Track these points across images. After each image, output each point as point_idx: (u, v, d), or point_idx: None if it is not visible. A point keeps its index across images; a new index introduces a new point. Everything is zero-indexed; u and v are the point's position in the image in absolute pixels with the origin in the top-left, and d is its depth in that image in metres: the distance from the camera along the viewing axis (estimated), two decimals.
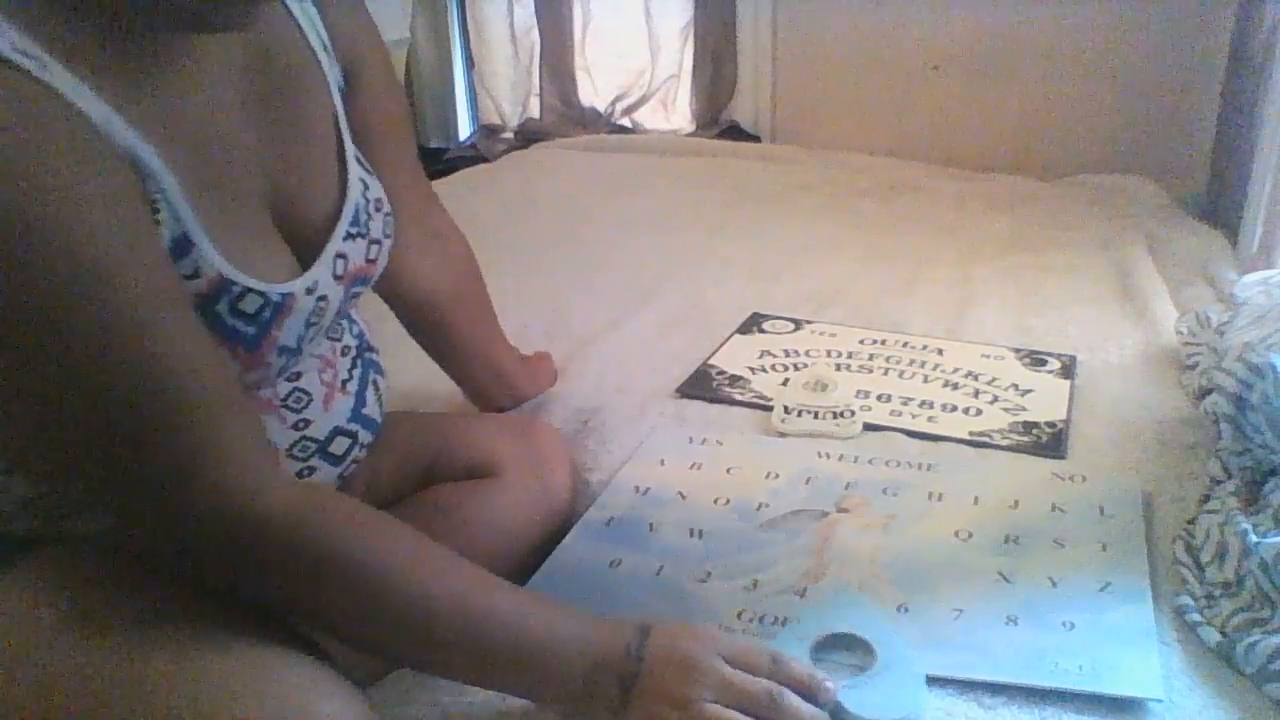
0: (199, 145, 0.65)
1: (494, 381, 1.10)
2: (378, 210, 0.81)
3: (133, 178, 0.59)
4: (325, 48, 0.77)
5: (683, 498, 0.99)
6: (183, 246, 0.62)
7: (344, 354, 0.82)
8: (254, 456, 0.62)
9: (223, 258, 0.64)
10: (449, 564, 0.67)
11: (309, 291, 0.72)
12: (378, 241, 0.81)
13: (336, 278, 0.75)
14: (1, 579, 0.61)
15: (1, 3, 0.54)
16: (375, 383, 0.86)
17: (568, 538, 0.93)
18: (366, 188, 0.80)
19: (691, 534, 0.93)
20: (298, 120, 0.74)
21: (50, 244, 0.52)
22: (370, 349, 0.87)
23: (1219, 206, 1.84)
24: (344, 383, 0.81)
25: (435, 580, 0.65)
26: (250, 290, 0.66)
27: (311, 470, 0.77)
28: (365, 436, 0.83)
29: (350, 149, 0.79)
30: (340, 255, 0.76)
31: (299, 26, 0.75)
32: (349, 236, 0.77)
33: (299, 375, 0.76)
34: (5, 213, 0.51)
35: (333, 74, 0.78)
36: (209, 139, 0.66)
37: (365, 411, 0.83)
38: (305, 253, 0.74)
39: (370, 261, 0.80)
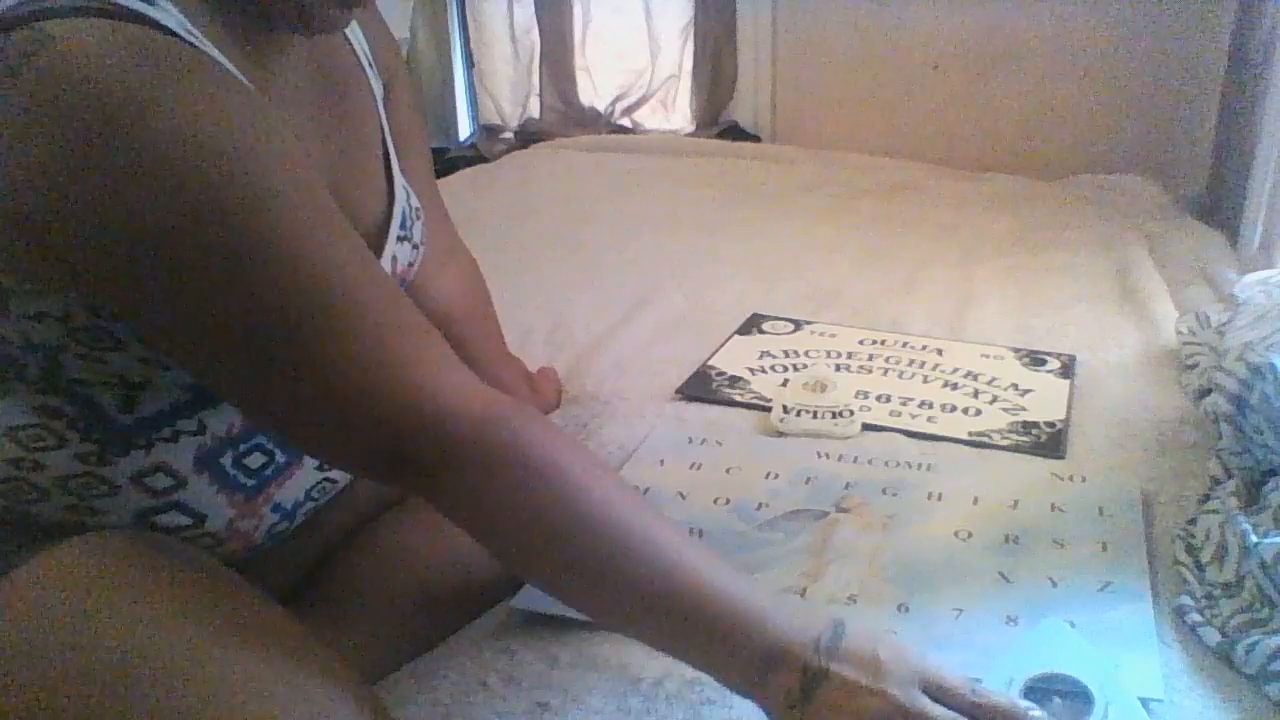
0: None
1: None
2: (417, 218, 0.84)
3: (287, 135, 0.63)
4: (370, 63, 0.80)
5: (683, 498, 0.99)
6: None
7: None
8: (455, 366, 0.64)
9: None
10: (648, 508, 0.65)
11: None
12: (417, 246, 0.84)
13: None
14: (22, 570, 0.61)
15: None
16: None
17: None
18: (409, 195, 0.83)
19: (691, 534, 0.93)
20: (353, 128, 0.78)
21: (266, 183, 0.57)
22: None
23: (1219, 206, 1.83)
24: None
25: (636, 519, 0.62)
26: None
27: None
28: None
29: (394, 158, 0.82)
30: (392, 256, 0.79)
31: (349, 42, 0.78)
32: (399, 239, 0.80)
33: None
34: (222, 152, 0.56)
35: (377, 87, 0.81)
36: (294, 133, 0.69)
37: None
38: None
39: (410, 265, 0.83)
